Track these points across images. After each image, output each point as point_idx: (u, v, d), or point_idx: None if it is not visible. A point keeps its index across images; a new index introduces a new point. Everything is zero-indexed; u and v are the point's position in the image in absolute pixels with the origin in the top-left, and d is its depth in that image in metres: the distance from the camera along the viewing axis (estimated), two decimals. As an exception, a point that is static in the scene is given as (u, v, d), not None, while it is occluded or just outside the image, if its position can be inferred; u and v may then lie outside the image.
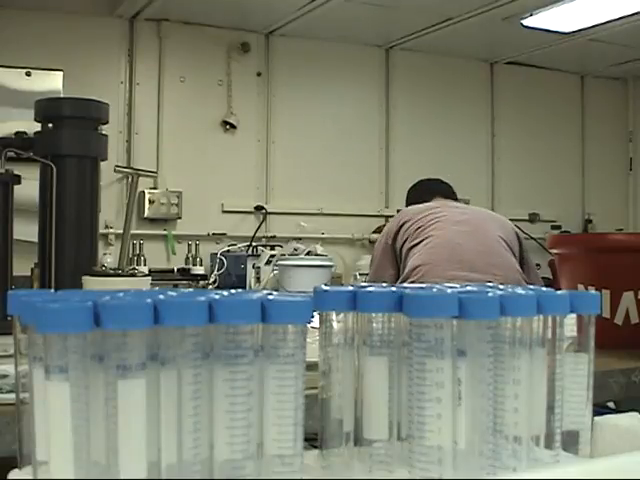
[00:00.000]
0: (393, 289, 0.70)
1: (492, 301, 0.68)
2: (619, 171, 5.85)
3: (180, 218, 4.51)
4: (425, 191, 3.20)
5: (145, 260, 4.33)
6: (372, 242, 4.94)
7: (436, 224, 2.85)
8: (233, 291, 0.70)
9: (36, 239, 1.95)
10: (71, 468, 0.58)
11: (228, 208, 4.67)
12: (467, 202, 5.10)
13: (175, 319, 0.60)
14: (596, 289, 1.21)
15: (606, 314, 1.81)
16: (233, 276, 4.21)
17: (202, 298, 0.61)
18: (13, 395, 0.69)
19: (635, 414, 0.84)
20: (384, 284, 0.75)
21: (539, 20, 4.35)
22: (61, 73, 4.19)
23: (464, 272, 2.61)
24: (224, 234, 4.59)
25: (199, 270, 4.41)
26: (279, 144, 4.81)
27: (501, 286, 0.76)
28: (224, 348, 0.63)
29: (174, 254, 4.51)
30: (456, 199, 3.22)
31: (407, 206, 3.16)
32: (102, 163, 2.03)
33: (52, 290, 0.72)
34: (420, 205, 3.02)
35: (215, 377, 0.62)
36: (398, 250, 2.90)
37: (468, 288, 0.74)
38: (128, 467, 0.58)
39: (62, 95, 3.96)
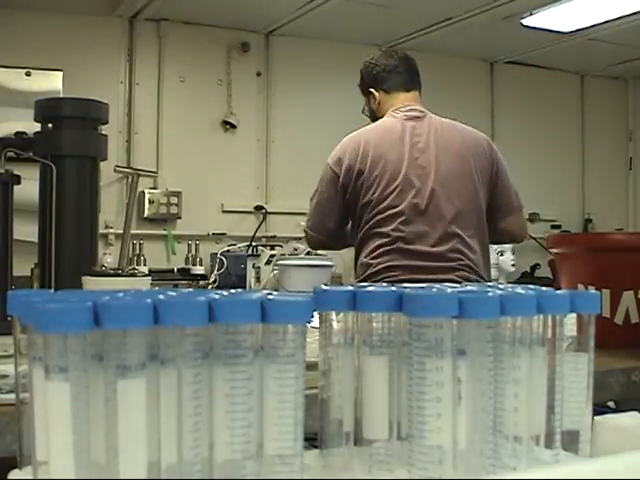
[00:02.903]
0: (393, 289, 0.70)
1: (492, 300, 0.68)
2: (619, 171, 5.85)
3: (180, 218, 4.51)
4: None
5: (145, 260, 4.33)
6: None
7: None
8: (233, 291, 0.70)
9: (36, 239, 1.95)
10: (71, 468, 0.58)
11: (228, 208, 4.67)
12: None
13: (175, 319, 0.60)
14: (596, 289, 1.21)
15: (606, 314, 1.81)
16: (233, 276, 4.21)
17: (202, 298, 0.61)
18: (13, 395, 0.69)
19: (635, 414, 0.84)
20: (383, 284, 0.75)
21: (539, 20, 4.36)
22: (61, 73, 4.19)
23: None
24: (224, 234, 4.59)
25: (199, 270, 4.41)
26: (279, 144, 4.81)
27: (501, 286, 0.76)
28: (224, 348, 0.63)
29: (174, 254, 4.51)
30: None
31: None
32: (102, 163, 2.03)
33: (52, 290, 0.72)
34: None
35: (215, 377, 0.63)
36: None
37: (468, 288, 0.74)
38: (128, 467, 0.58)
39: (62, 95, 3.96)
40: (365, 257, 2.37)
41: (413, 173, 2.38)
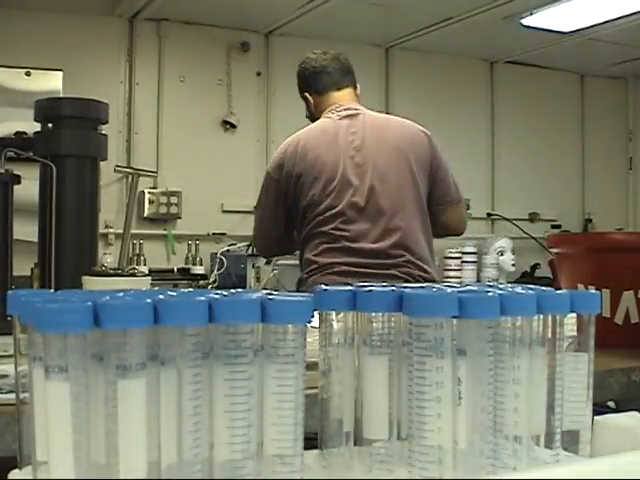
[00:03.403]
0: (393, 289, 0.70)
1: (492, 300, 0.68)
2: (619, 170, 5.85)
3: (180, 218, 4.51)
4: None
5: (145, 260, 4.33)
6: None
7: None
8: (233, 291, 0.70)
9: (36, 239, 1.95)
10: (71, 468, 0.58)
11: (228, 208, 4.67)
12: (467, 202, 5.10)
13: (175, 319, 0.60)
14: (596, 288, 1.21)
15: (606, 313, 1.81)
16: (233, 276, 4.21)
17: (202, 298, 0.61)
18: (13, 395, 0.69)
19: (635, 414, 0.84)
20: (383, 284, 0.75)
21: (539, 19, 4.35)
22: (61, 73, 4.18)
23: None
24: (224, 234, 4.59)
25: (199, 270, 4.41)
26: (279, 144, 4.78)
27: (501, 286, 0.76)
28: (224, 348, 0.63)
29: (174, 254, 4.51)
30: None
31: None
32: (102, 163, 2.04)
33: (52, 290, 0.72)
34: None
35: (215, 377, 0.63)
36: None
37: (468, 287, 0.74)
38: (128, 467, 0.58)
39: (62, 95, 3.96)
40: (309, 254, 2.41)
41: (351, 172, 2.39)
